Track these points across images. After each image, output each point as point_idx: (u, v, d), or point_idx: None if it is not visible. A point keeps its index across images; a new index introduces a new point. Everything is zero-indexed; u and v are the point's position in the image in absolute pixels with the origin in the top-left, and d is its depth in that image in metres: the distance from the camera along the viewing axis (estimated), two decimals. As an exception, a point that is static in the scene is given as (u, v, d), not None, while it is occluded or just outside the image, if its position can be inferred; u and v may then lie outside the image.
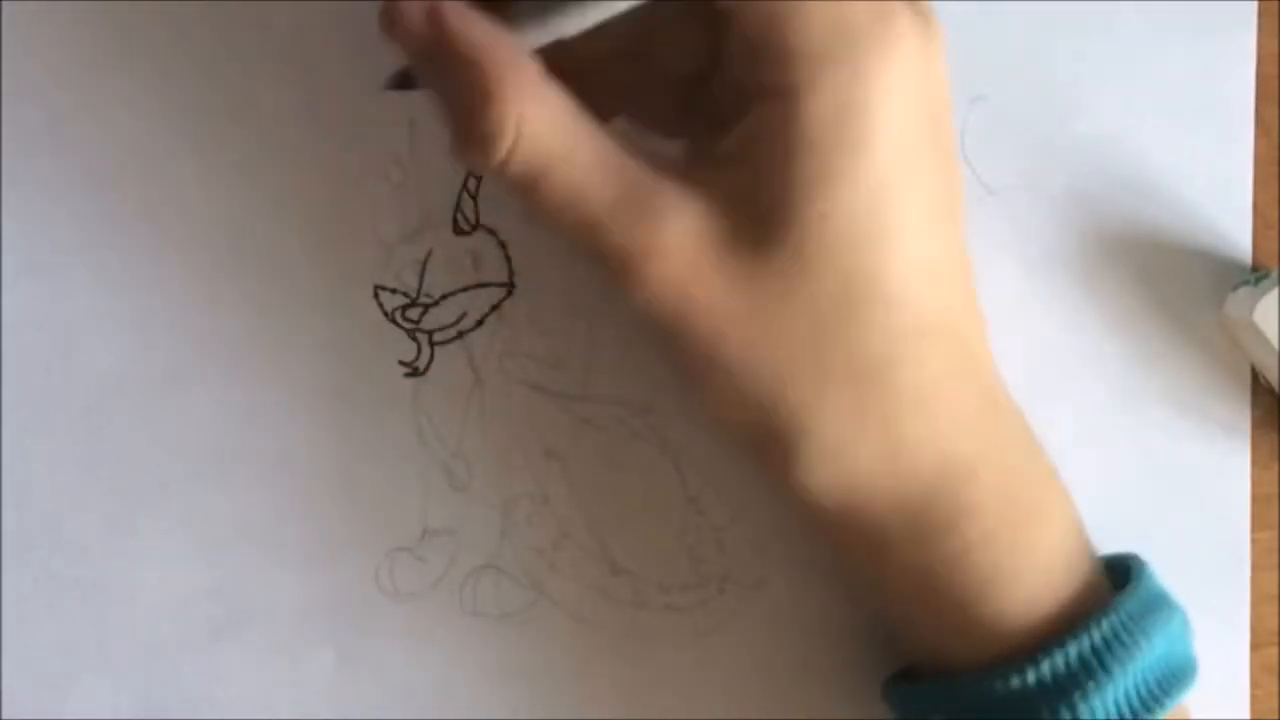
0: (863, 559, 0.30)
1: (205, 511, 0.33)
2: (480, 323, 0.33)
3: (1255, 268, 0.34)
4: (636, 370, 0.34)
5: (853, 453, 0.27)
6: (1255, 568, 0.34)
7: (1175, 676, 0.29)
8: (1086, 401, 0.34)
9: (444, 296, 0.33)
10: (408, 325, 0.33)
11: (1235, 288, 0.34)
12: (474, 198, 0.33)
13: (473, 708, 0.33)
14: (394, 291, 0.33)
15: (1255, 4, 0.34)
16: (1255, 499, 0.34)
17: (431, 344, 0.33)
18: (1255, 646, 0.34)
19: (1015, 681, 0.28)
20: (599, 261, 0.27)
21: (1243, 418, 0.34)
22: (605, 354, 0.33)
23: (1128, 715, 0.28)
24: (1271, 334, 0.32)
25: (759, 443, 0.28)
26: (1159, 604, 0.29)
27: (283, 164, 0.33)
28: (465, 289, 0.33)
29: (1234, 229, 0.34)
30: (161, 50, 0.32)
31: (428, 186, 0.33)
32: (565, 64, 0.26)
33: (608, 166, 0.26)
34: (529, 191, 0.26)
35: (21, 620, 0.33)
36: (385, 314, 0.33)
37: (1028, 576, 0.29)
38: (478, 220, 0.33)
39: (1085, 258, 0.34)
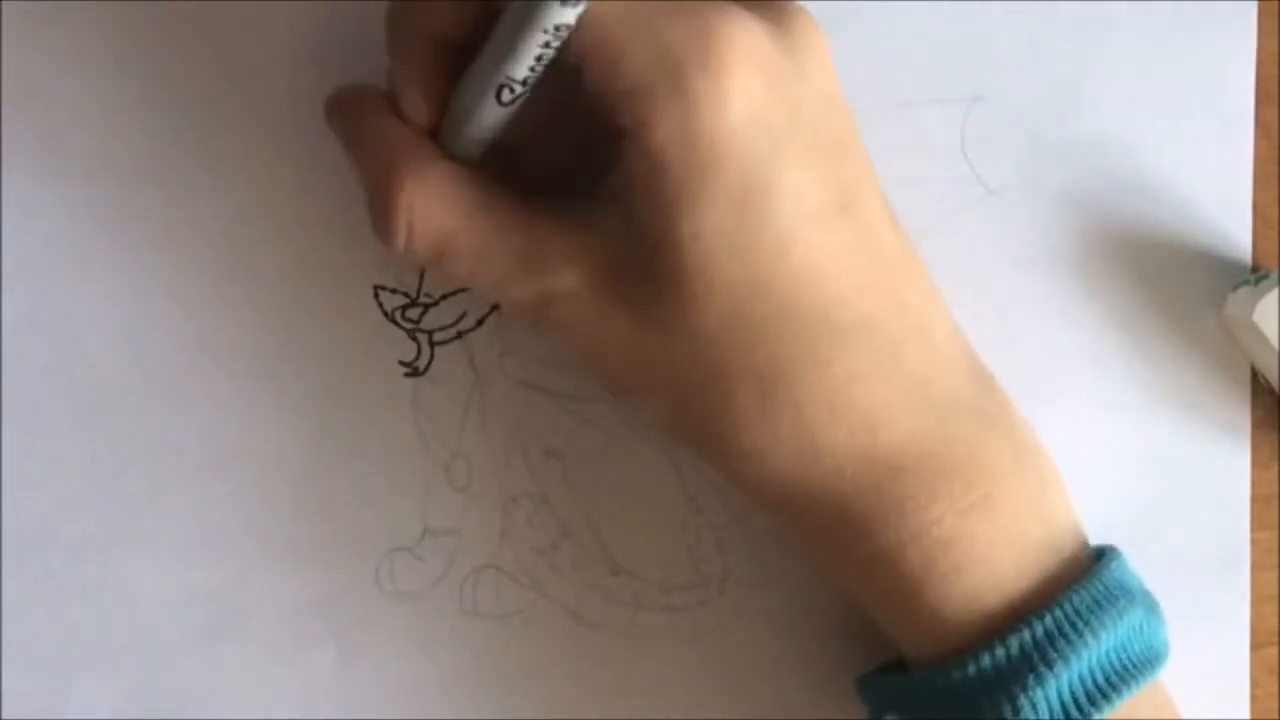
0: (811, 553, 0.31)
1: (205, 512, 0.33)
2: (480, 323, 0.33)
3: (1255, 268, 0.34)
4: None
5: (769, 453, 0.28)
6: (1255, 568, 0.34)
7: (1127, 671, 0.28)
8: (1086, 401, 0.34)
9: (444, 296, 0.33)
10: (408, 325, 0.33)
11: (1235, 288, 0.34)
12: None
13: (473, 708, 0.34)
14: (394, 291, 0.33)
15: (1255, 4, 0.34)
16: (1255, 499, 0.34)
17: (431, 344, 0.33)
18: (1255, 646, 0.34)
19: (956, 675, 0.28)
20: (513, 310, 0.30)
21: (1243, 418, 0.34)
22: (605, 354, 0.33)
23: (1072, 709, 0.28)
24: (1271, 334, 0.32)
25: (688, 441, 0.30)
26: (1114, 598, 0.29)
27: (283, 164, 0.33)
28: (465, 289, 0.33)
29: (1234, 229, 0.34)
30: (161, 50, 0.32)
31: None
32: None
33: (504, 231, 0.28)
34: (436, 267, 0.29)
35: (21, 620, 0.33)
36: (385, 314, 0.33)
37: (967, 570, 0.29)
38: (478, 220, 0.33)
39: (1085, 258, 0.34)
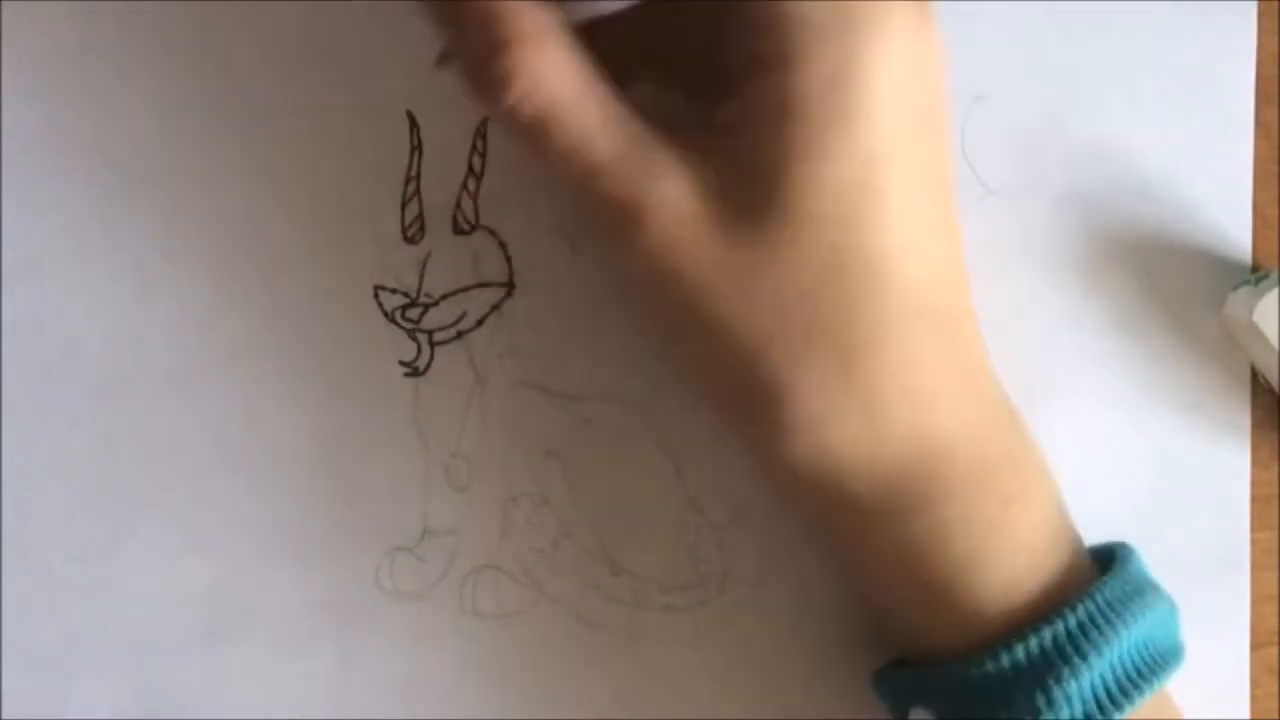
0: (841, 536, 0.30)
1: (205, 511, 0.33)
2: (480, 323, 0.33)
3: (1255, 268, 0.34)
4: (636, 370, 0.34)
5: (833, 423, 0.28)
6: (1255, 568, 0.34)
7: (1156, 663, 0.29)
8: (1086, 402, 0.34)
9: (444, 296, 0.33)
10: (408, 325, 0.33)
11: (1235, 288, 0.34)
12: (474, 198, 0.33)
13: (473, 708, 0.33)
14: (394, 291, 0.33)
15: (1255, 4, 0.34)
16: (1255, 499, 0.34)
17: (431, 344, 0.33)
18: (1255, 646, 0.34)
19: (990, 666, 0.28)
20: (598, 212, 0.28)
21: (1243, 418, 0.34)
22: (605, 354, 0.33)
23: (1104, 700, 0.28)
24: (1271, 334, 0.32)
25: (740, 407, 0.28)
26: (1141, 590, 0.29)
27: (283, 164, 0.33)
28: (465, 289, 0.33)
29: (1234, 229, 0.34)
30: (162, 50, 0.32)
31: (428, 187, 0.33)
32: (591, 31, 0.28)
33: (613, 121, 0.27)
34: (537, 135, 0.27)
35: (21, 620, 0.33)
36: (385, 314, 0.33)
37: (1006, 559, 0.29)
38: (478, 220, 0.33)
39: (1085, 258, 0.34)
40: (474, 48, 0.27)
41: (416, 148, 0.33)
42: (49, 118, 0.32)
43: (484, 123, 0.33)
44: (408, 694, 0.33)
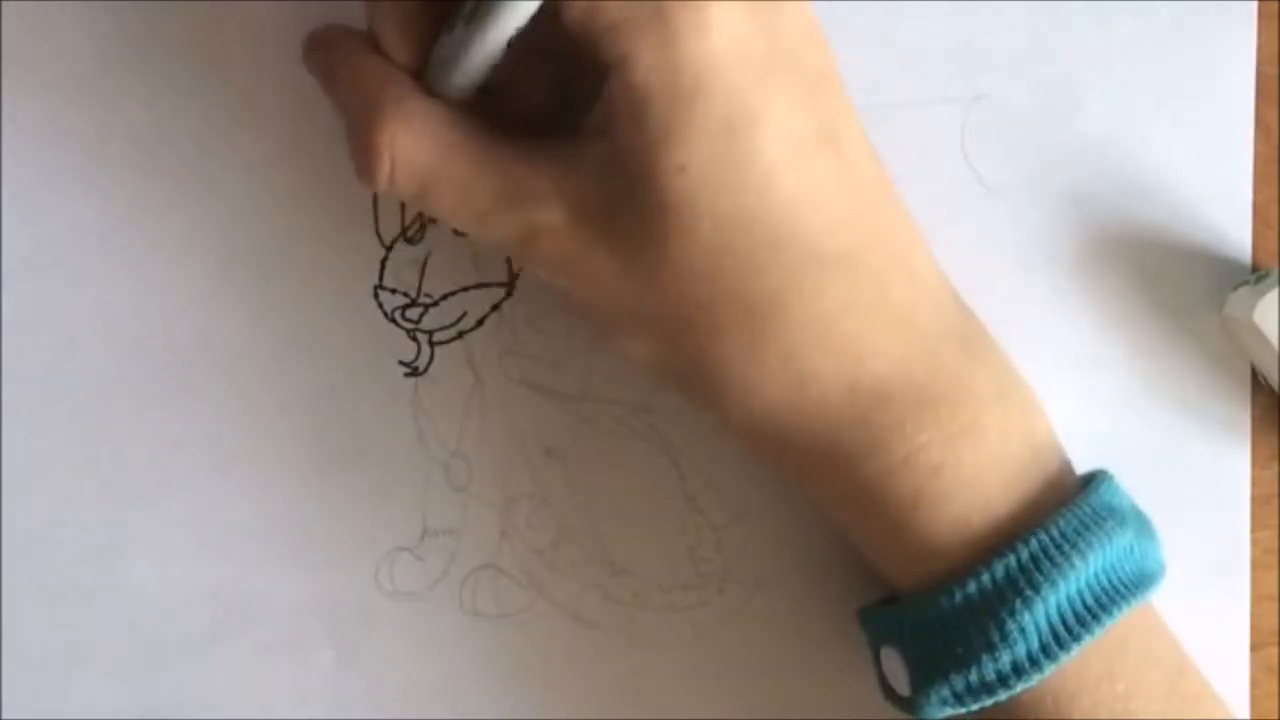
0: (798, 482, 0.31)
1: (205, 511, 0.33)
2: (480, 323, 0.33)
3: (1255, 268, 0.34)
4: (636, 370, 0.34)
5: (758, 389, 0.28)
6: (1255, 568, 0.34)
7: (1118, 591, 0.29)
8: (1086, 401, 0.34)
9: (444, 296, 0.33)
10: (408, 325, 0.33)
11: (1235, 288, 0.34)
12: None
13: (473, 708, 0.34)
14: (394, 291, 0.33)
15: (1255, 4, 0.34)
16: (1255, 499, 0.34)
17: (431, 344, 0.33)
18: (1255, 646, 0.34)
19: (945, 603, 0.29)
20: (496, 247, 0.29)
21: (1243, 418, 0.34)
22: (605, 354, 0.33)
23: (1061, 631, 0.28)
24: (1271, 334, 0.32)
25: (680, 384, 0.30)
26: (1102, 519, 0.29)
27: (283, 163, 0.33)
28: (465, 289, 0.33)
29: (1234, 229, 0.34)
30: (162, 50, 0.32)
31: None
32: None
33: (487, 164, 0.28)
34: (420, 202, 0.28)
35: (21, 620, 0.33)
36: (385, 314, 0.33)
37: (956, 496, 0.29)
38: (478, 220, 0.33)
39: (1085, 258, 0.34)
40: (347, 126, 0.28)
41: (416, 148, 0.33)
42: (49, 118, 0.32)
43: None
44: (407, 694, 0.33)
